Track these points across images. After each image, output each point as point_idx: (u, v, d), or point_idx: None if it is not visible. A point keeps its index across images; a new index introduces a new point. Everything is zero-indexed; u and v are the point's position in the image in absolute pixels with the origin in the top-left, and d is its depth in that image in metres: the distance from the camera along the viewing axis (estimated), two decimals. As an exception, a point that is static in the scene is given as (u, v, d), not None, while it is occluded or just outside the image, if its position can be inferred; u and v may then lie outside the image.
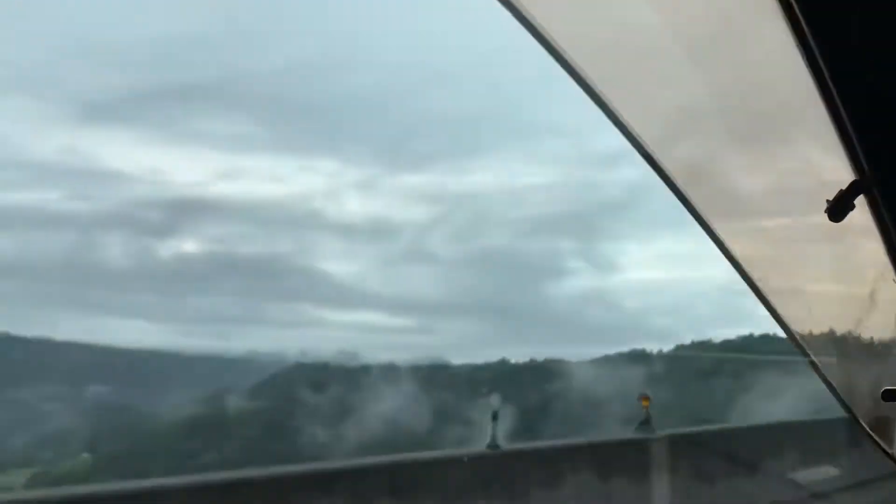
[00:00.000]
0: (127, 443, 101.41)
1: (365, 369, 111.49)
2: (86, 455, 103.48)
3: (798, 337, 2.38)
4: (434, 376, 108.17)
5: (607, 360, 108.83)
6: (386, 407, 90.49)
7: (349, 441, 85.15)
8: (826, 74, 1.35)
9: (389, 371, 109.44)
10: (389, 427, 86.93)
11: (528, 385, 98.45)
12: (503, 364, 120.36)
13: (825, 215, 1.64)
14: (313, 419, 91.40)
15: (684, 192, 1.95)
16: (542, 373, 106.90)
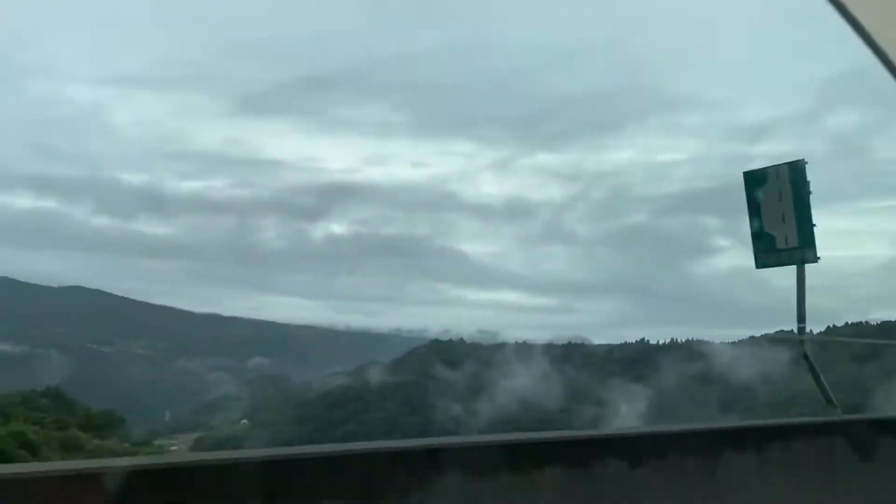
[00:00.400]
0: (280, 411, 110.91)
1: (501, 347, 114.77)
2: (244, 421, 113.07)
3: None
4: (570, 355, 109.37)
5: (753, 341, 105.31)
6: (519, 384, 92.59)
7: (482, 417, 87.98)
8: None
9: (525, 349, 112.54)
10: (522, 405, 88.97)
11: (668, 366, 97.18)
12: (642, 344, 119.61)
13: None
14: (448, 394, 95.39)
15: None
16: (684, 353, 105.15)
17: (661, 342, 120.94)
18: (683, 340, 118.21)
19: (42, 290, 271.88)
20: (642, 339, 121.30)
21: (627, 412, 77.41)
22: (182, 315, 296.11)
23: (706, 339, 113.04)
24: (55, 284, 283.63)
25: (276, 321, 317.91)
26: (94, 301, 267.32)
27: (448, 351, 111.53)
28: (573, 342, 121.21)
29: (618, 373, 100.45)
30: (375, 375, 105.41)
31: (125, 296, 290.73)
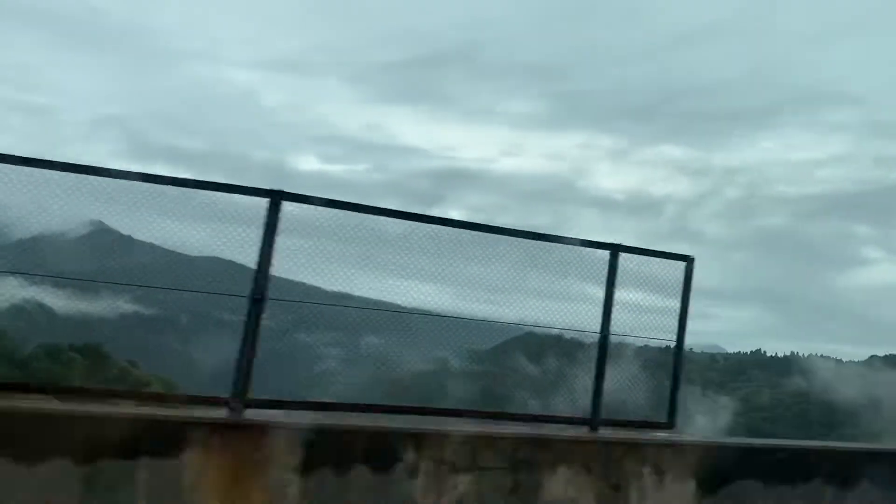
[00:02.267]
0: (358, 390, 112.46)
1: (595, 346, 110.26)
2: (328, 397, 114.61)
3: None
4: (667, 360, 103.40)
5: (888, 360, 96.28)
6: (605, 386, 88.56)
7: (560, 414, 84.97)
8: None
9: (622, 350, 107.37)
10: (603, 405, 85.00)
11: (769, 380, 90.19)
12: (755, 355, 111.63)
13: None
14: (526, 388, 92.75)
15: None
16: (794, 368, 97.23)
17: (778, 354, 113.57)
18: (806, 355, 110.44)
19: (183, 257, 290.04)
20: (757, 350, 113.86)
21: (703, 424, 72.29)
22: (312, 291, 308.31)
23: (837, 355, 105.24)
24: (195, 253, 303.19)
25: (399, 304, 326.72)
26: (229, 271, 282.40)
27: (539, 344, 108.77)
28: (670, 346, 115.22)
29: (715, 382, 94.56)
30: (458, 363, 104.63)
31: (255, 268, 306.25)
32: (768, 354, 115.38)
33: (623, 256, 10.12)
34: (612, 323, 11.18)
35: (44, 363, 44.35)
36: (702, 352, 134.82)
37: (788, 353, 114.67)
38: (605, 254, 9.95)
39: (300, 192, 8.39)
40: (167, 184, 7.54)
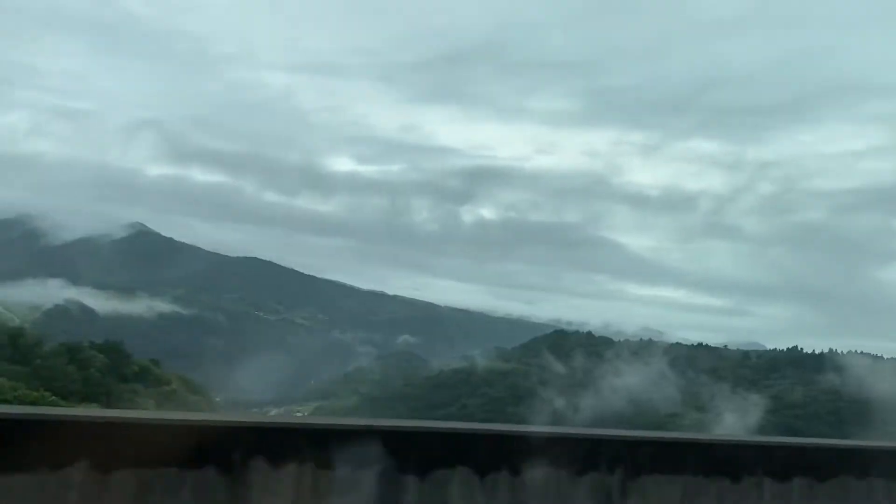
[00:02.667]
0: (393, 388, 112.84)
1: (627, 344, 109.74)
2: (356, 396, 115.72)
3: None
4: (699, 358, 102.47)
5: None
6: (631, 383, 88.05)
7: (584, 411, 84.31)
8: None
9: (650, 347, 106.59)
10: (629, 403, 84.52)
11: (802, 378, 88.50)
12: (791, 352, 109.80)
13: None
14: (555, 386, 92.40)
15: None
16: (830, 365, 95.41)
17: (815, 351, 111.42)
18: (844, 351, 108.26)
19: (221, 258, 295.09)
20: (794, 347, 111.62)
21: (732, 422, 71.36)
22: (347, 290, 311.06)
23: (878, 352, 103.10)
24: (233, 254, 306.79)
25: (434, 302, 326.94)
26: (267, 272, 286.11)
27: (568, 342, 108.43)
28: (700, 344, 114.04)
29: (747, 379, 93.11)
30: (485, 361, 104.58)
31: (295, 269, 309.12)
32: (805, 351, 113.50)
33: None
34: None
35: (62, 360, 45.67)
36: (737, 349, 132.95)
37: (825, 350, 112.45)
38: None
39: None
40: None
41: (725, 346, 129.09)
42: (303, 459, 3.96)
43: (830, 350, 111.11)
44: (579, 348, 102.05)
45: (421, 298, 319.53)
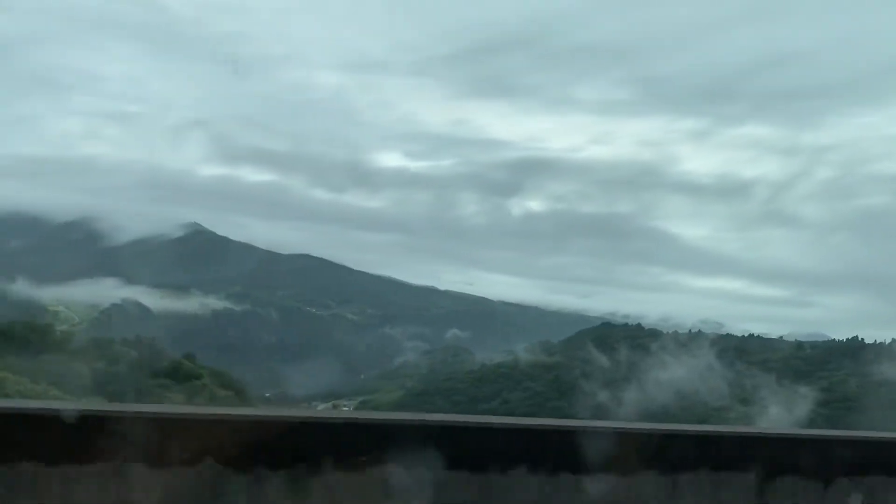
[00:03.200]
0: (437, 382, 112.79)
1: (674, 336, 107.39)
2: (400, 391, 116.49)
3: None
4: (749, 350, 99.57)
5: None
6: (678, 376, 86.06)
7: (628, 405, 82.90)
8: None
9: (698, 340, 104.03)
10: (674, 396, 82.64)
11: (857, 369, 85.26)
12: (851, 343, 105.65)
13: None
14: (598, 380, 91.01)
15: None
16: (886, 356, 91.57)
17: (878, 341, 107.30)
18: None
19: (274, 256, 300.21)
20: (854, 337, 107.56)
21: (777, 415, 69.06)
22: (398, 286, 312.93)
23: None
24: (286, 252, 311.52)
25: (487, 297, 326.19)
26: (318, 268, 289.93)
27: (615, 335, 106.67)
28: (753, 335, 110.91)
29: (800, 371, 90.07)
30: (529, 355, 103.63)
31: (346, 265, 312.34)
32: (866, 341, 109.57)
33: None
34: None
35: (92, 356, 46.86)
36: (793, 340, 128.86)
37: (889, 340, 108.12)
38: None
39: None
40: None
41: (781, 337, 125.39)
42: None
43: (893, 340, 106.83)
44: (626, 341, 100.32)
45: (473, 293, 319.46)
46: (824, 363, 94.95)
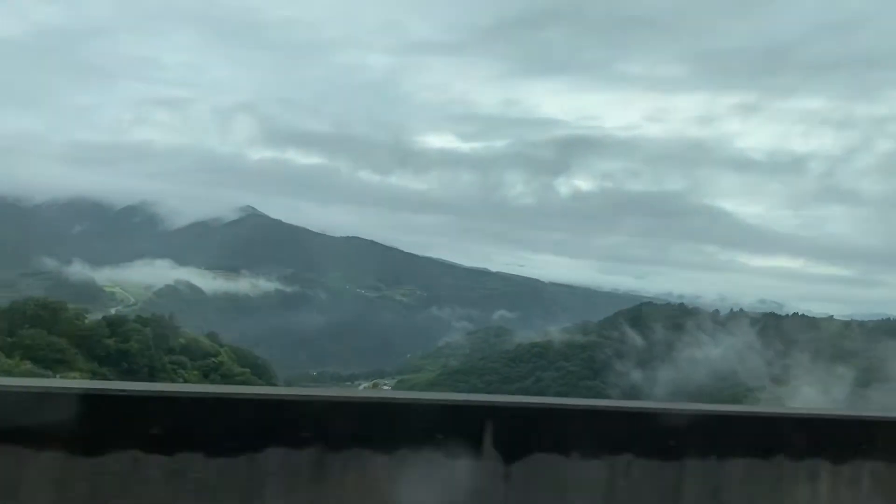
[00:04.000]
0: (473, 362, 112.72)
1: (715, 316, 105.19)
2: (436, 371, 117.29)
3: None
4: (791, 330, 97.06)
5: None
6: (714, 355, 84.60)
7: (662, 385, 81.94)
8: None
9: (739, 319, 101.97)
10: (708, 376, 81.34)
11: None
12: (884, 323, 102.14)
13: None
14: (632, 359, 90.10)
15: None
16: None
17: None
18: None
19: (326, 238, 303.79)
20: (885, 318, 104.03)
21: (809, 395, 67.15)
22: (449, 267, 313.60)
23: None
24: (337, 234, 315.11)
25: (538, 278, 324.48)
26: (369, 251, 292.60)
27: (653, 314, 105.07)
28: (798, 314, 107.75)
29: (845, 351, 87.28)
30: (565, 335, 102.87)
31: (397, 247, 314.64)
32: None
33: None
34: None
35: (105, 332, 48.35)
36: (848, 319, 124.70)
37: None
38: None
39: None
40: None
41: (832, 316, 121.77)
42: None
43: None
44: (665, 320, 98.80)
45: (524, 275, 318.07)
46: (874, 343, 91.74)
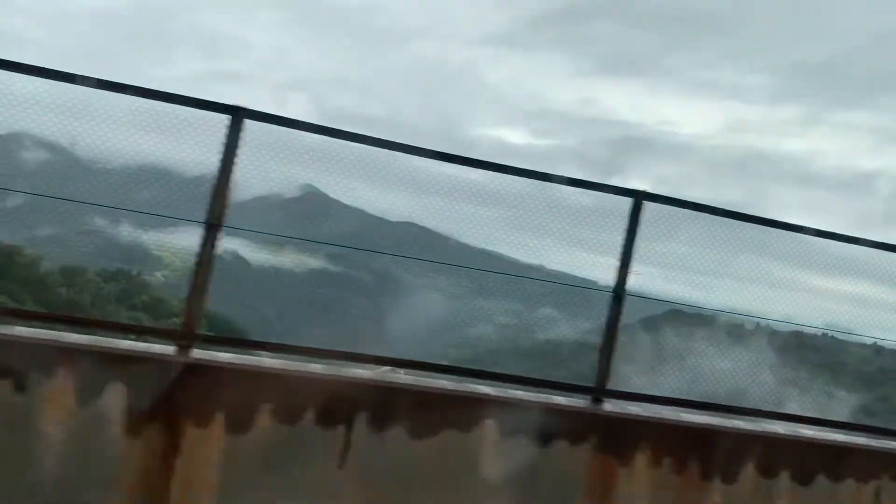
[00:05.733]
0: (492, 355, 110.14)
1: (735, 328, 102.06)
2: (445, 361, 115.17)
3: None
4: (813, 350, 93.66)
5: None
6: (723, 367, 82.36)
7: (664, 390, 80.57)
8: None
9: (758, 334, 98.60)
10: (716, 389, 79.27)
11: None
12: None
13: None
14: (642, 365, 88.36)
15: None
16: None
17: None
18: None
19: (382, 222, 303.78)
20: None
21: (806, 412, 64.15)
22: (501, 260, 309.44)
23: None
24: (393, 219, 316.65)
25: (594, 279, 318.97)
26: (422, 237, 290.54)
27: (680, 321, 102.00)
28: (826, 334, 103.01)
29: (866, 377, 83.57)
30: (576, 335, 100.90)
31: (453, 236, 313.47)
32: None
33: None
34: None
35: (60, 283, 49.17)
36: (879, 345, 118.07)
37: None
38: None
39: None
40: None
41: (875, 342, 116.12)
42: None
43: None
44: (684, 329, 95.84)
45: (580, 275, 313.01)
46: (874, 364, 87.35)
